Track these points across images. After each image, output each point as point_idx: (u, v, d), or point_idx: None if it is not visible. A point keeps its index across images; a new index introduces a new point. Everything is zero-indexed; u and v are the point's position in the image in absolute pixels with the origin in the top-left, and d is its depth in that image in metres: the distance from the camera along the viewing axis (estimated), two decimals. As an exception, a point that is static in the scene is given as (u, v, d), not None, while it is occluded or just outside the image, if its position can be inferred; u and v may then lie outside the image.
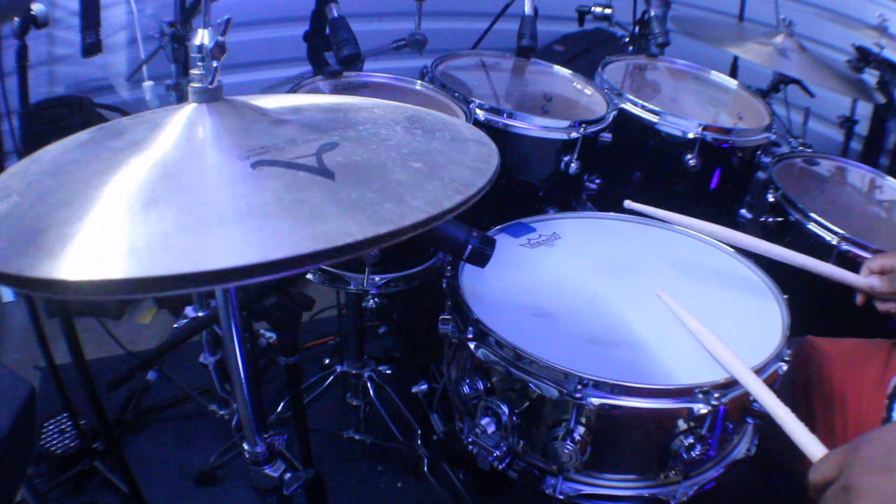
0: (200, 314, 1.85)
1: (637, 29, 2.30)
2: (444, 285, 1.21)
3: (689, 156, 1.72)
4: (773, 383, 1.12)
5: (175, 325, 1.85)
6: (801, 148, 2.13)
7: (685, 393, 1.01)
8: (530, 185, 1.71)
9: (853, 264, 1.44)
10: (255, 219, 0.59)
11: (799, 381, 1.30)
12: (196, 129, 0.72)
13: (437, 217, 0.63)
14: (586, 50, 3.10)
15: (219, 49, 0.74)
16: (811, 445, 0.83)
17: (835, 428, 1.23)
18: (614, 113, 1.72)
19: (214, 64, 0.74)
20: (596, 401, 1.00)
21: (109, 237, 0.58)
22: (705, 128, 1.72)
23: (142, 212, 0.60)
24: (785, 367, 1.11)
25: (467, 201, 0.67)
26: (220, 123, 0.73)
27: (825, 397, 1.27)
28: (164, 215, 0.60)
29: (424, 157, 0.73)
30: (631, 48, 2.34)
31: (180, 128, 0.72)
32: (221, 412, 1.92)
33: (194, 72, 0.74)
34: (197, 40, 0.73)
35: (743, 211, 1.84)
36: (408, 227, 0.61)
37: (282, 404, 1.91)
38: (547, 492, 1.10)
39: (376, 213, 0.61)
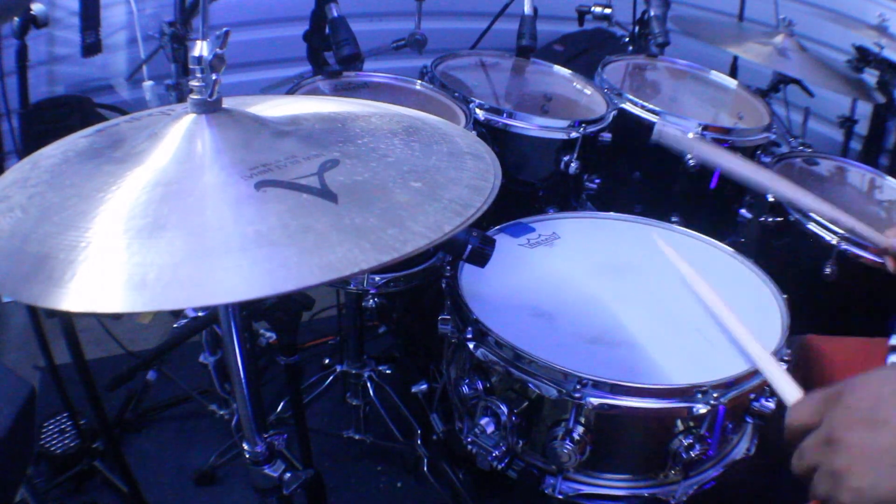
0: (200, 314, 1.85)
1: (637, 29, 2.30)
2: (443, 285, 1.22)
3: (689, 155, 1.72)
4: (773, 383, 1.12)
5: (175, 325, 1.85)
6: (801, 148, 2.13)
7: (684, 393, 1.02)
8: (530, 185, 1.71)
9: (853, 264, 1.45)
10: (262, 247, 0.60)
11: (798, 381, 1.30)
12: (195, 143, 0.72)
13: (438, 241, 0.65)
14: (586, 50, 3.09)
15: (218, 61, 0.73)
16: (788, 389, 0.83)
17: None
18: (614, 113, 1.72)
19: (214, 76, 0.73)
20: (595, 400, 1.00)
21: (117, 265, 0.59)
22: (705, 128, 1.72)
23: (149, 238, 0.61)
24: (784, 367, 1.11)
25: (466, 222, 0.68)
26: (219, 136, 0.73)
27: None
28: (172, 242, 0.60)
29: (423, 175, 0.74)
30: (631, 48, 2.33)
31: (179, 140, 0.72)
32: (221, 412, 1.92)
33: (193, 83, 0.74)
34: (196, 52, 0.73)
35: (743, 211, 1.84)
36: (410, 253, 0.62)
37: (282, 404, 1.91)
38: (546, 491, 1.10)
39: (380, 239, 0.62)
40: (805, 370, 1.31)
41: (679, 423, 1.04)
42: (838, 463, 0.61)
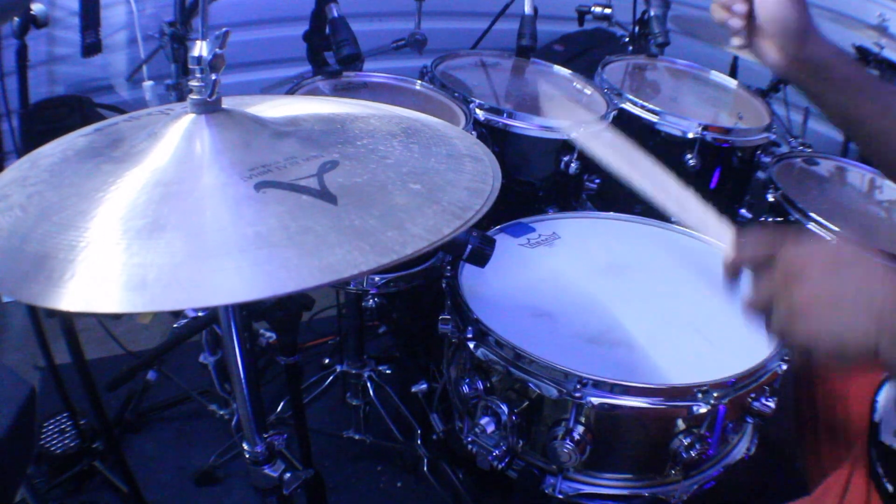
0: (200, 314, 1.85)
1: (637, 29, 2.30)
2: (443, 285, 1.22)
3: (689, 156, 1.72)
4: (774, 382, 1.12)
5: (175, 325, 1.85)
6: (801, 148, 2.13)
7: (684, 392, 1.01)
8: (530, 185, 1.71)
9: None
10: (262, 248, 0.60)
11: (802, 379, 1.30)
12: (194, 143, 0.72)
13: (437, 244, 0.65)
14: (586, 50, 3.09)
15: (218, 61, 0.73)
16: (717, 223, 0.80)
17: (836, 424, 1.23)
18: (614, 113, 1.72)
19: (213, 76, 0.73)
20: (595, 400, 1.00)
21: (117, 265, 0.59)
22: (705, 128, 1.72)
23: (149, 238, 0.61)
24: (785, 367, 1.11)
25: (465, 225, 0.68)
26: (219, 137, 0.73)
27: (828, 394, 1.27)
28: (172, 243, 0.60)
29: (423, 177, 0.74)
30: (631, 48, 2.33)
31: (178, 140, 0.72)
32: (221, 412, 1.92)
33: (193, 83, 0.74)
34: (195, 52, 0.73)
35: (743, 211, 1.84)
36: (409, 256, 0.62)
37: (282, 404, 1.91)
38: (546, 491, 1.10)
39: (379, 241, 0.62)
40: (805, 370, 1.31)
41: (679, 422, 1.04)
42: (798, 296, 0.60)
